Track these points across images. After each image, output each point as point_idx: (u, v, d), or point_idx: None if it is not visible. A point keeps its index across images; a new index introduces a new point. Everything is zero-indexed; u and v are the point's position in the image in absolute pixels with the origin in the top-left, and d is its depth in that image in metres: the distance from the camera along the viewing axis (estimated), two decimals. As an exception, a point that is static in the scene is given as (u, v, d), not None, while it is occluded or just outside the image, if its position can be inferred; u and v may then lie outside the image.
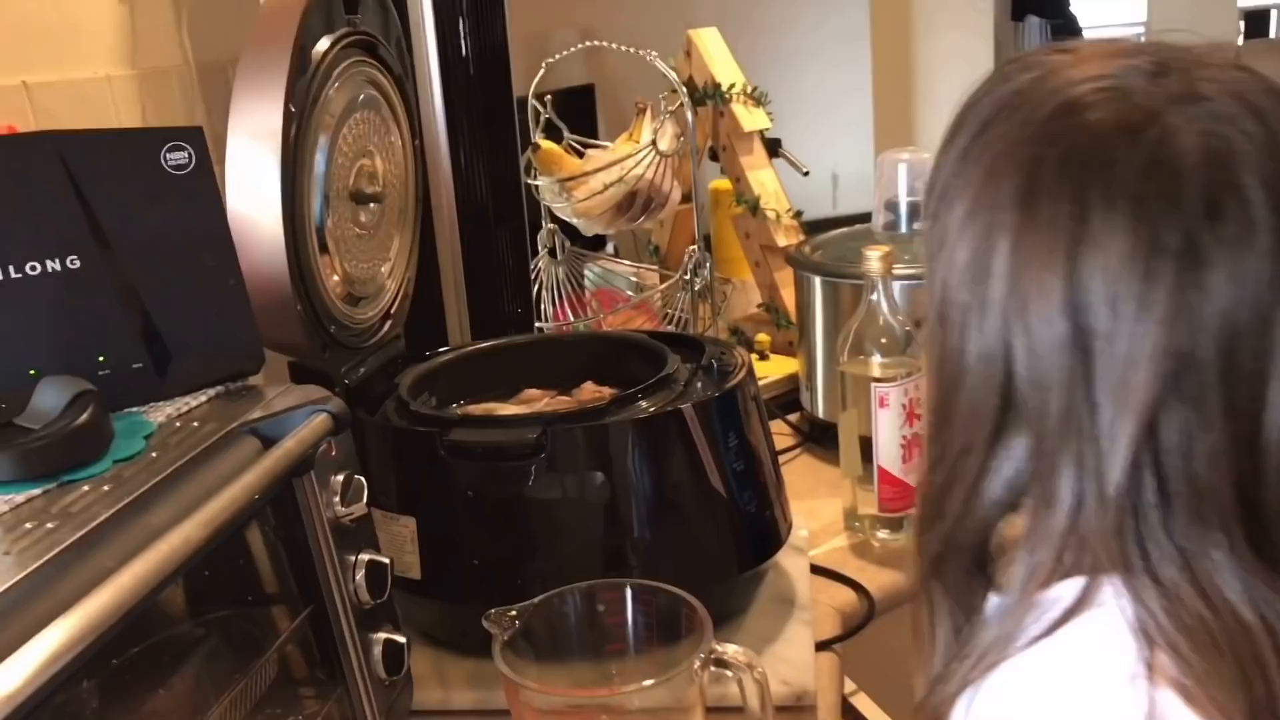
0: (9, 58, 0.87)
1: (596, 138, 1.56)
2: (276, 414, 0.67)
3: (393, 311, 0.99)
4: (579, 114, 1.64)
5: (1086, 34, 7.68)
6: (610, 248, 1.76)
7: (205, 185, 0.72)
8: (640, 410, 0.84)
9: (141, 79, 1.00)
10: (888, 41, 6.45)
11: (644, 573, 0.82)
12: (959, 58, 7.09)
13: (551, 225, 1.51)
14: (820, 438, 1.31)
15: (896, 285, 1.08)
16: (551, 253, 1.54)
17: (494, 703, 0.84)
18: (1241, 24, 6.28)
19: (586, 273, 1.61)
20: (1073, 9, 7.54)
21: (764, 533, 0.90)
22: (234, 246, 0.73)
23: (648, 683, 0.68)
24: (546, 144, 1.39)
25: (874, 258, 1.04)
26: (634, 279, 1.64)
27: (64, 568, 0.52)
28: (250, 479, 0.58)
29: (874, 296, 1.05)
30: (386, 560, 0.75)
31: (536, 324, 1.34)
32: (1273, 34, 7.69)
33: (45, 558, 0.52)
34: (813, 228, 1.57)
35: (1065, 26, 7.57)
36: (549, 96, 1.48)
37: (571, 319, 1.50)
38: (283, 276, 0.81)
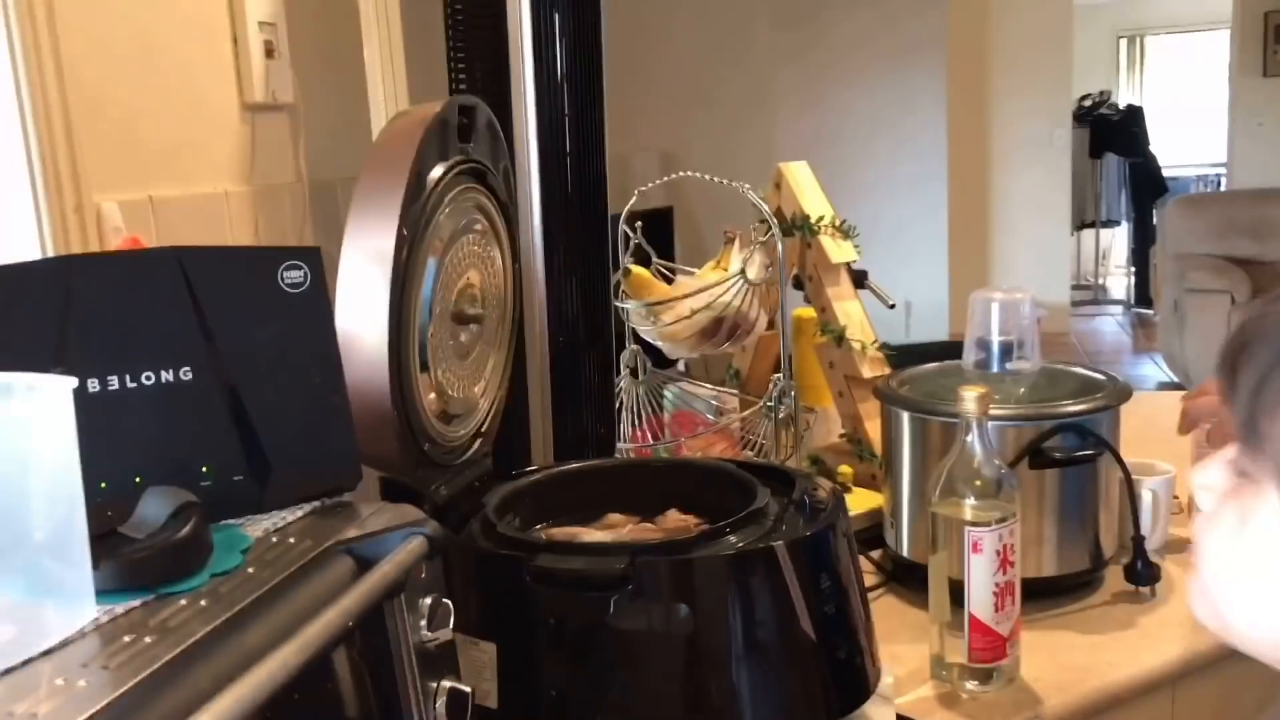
0: (137, 173, 0.91)
1: (673, 258, 1.58)
2: (372, 535, 0.67)
3: (484, 430, 0.99)
4: (657, 235, 1.66)
5: (1165, 173, 7.66)
6: (681, 365, 1.76)
7: (318, 304, 0.74)
8: (730, 545, 0.83)
9: (256, 195, 1.04)
10: (964, 174, 6.49)
11: (727, 715, 0.79)
12: (1036, 192, 7.09)
13: (635, 346, 1.52)
14: (905, 577, 1.27)
15: (991, 426, 1.06)
16: (634, 373, 1.55)
17: (565, 845, 0.81)
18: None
19: (666, 394, 1.61)
20: (1152, 148, 7.54)
21: (853, 680, 0.86)
22: (341, 364, 0.75)
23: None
24: (637, 269, 1.41)
25: (970, 398, 1.02)
26: (714, 402, 1.63)
27: (160, 686, 0.52)
28: (347, 603, 0.58)
29: (969, 438, 1.03)
30: (468, 690, 0.73)
31: (619, 444, 1.33)
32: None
33: (142, 675, 0.52)
34: (899, 353, 1.56)
35: (1144, 165, 7.58)
36: (639, 222, 1.51)
37: (651, 440, 1.50)
38: (383, 393, 0.82)
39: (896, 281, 1.69)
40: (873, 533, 1.36)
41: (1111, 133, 7.24)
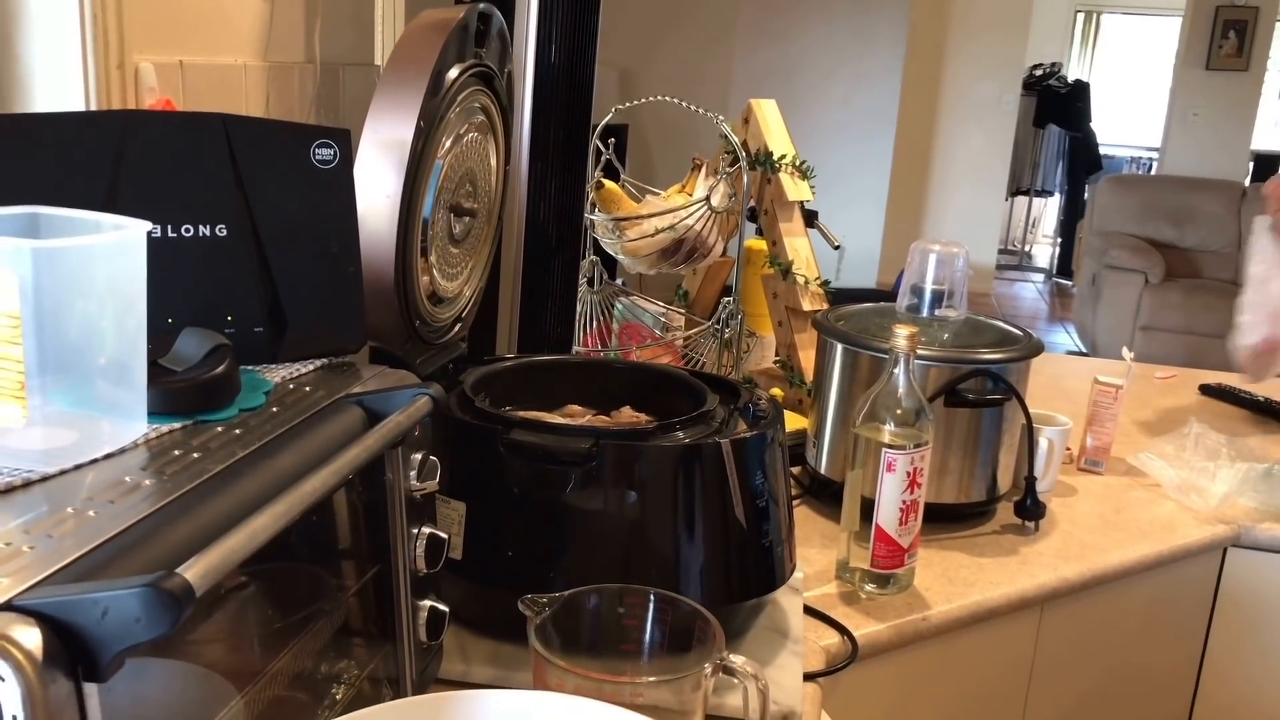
0: (171, 38, 0.96)
1: (626, 170, 1.66)
2: (383, 390, 0.76)
3: (464, 316, 1.08)
4: (614, 151, 1.73)
5: (1102, 150, 7.88)
6: (619, 283, 1.86)
7: (344, 182, 0.82)
8: (680, 439, 0.94)
9: (270, 70, 1.10)
10: (912, 128, 6.60)
11: (660, 585, 0.91)
12: (978, 154, 7.26)
13: (594, 257, 1.61)
14: (820, 492, 1.41)
15: (916, 363, 1.18)
16: (590, 282, 1.64)
17: (510, 681, 0.93)
18: (1251, 165, 6.50)
19: (618, 305, 1.70)
20: (1092, 125, 7.75)
21: (772, 567, 0.99)
22: (358, 239, 0.83)
23: (665, 676, 0.77)
24: (610, 183, 1.50)
25: (903, 335, 1.14)
26: (661, 319, 1.74)
27: (211, 493, 0.61)
28: (370, 441, 0.67)
29: (896, 370, 1.15)
30: (445, 536, 0.84)
31: (574, 346, 1.43)
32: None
33: (197, 481, 0.61)
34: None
35: (1083, 140, 7.79)
36: (611, 139, 1.58)
37: (599, 347, 1.60)
38: (388, 270, 0.90)
39: (834, 224, 1.79)
40: (795, 451, 1.49)
41: (1057, 104, 7.43)
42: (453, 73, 0.94)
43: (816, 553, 1.26)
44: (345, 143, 0.81)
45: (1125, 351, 1.72)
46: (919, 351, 1.26)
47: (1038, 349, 1.35)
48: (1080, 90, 7.64)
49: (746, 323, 1.76)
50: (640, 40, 5.35)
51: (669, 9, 5.41)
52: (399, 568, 0.79)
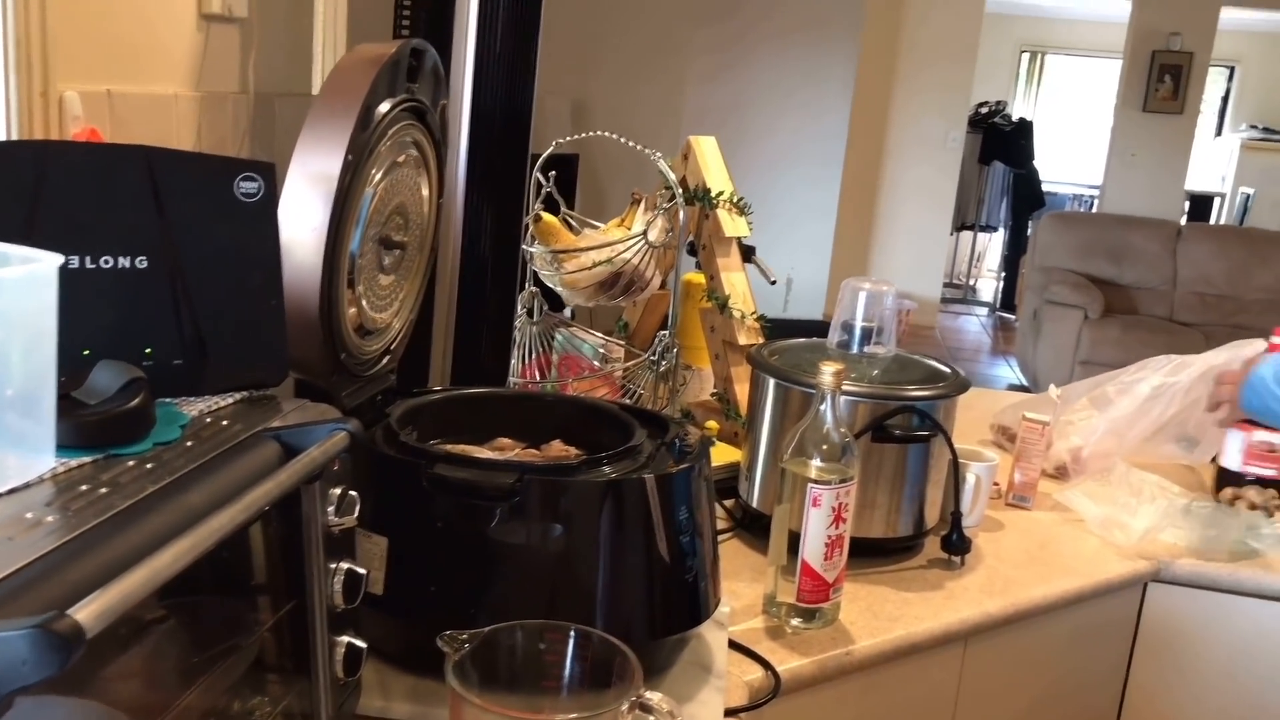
0: (99, 67, 0.96)
1: (575, 205, 1.67)
2: (301, 425, 0.76)
3: (393, 348, 1.08)
4: (561, 182, 1.74)
5: (1047, 187, 8.06)
6: (567, 313, 1.87)
7: (267, 215, 0.82)
8: (605, 474, 0.94)
9: (202, 100, 1.10)
10: (860, 162, 6.69)
11: (584, 621, 0.91)
12: (924, 189, 7.39)
13: (534, 289, 1.61)
14: (752, 525, 1.42)
15: (843, 399, 1.20)
16: (530, 314, 1.64)
17: (429, 717, 0.92)
18: (1186, 204, 6.69)
19: (558, 337, 1.71)
20: (1035, 163, 7.93)
21: (695, 602, 0.99)
22: (281, 272, 0.83)
23: (582, 714, 0.77)
24: (548, 216, 1.51)
25: (828, 372, 1.16)
26: (601, 350, 1.75)
27: (116, 529, 0.60)
28: (283, 477, 0.67)
29: (822, 406, 1.17)
30: (363, 572, 0.83)
31: (510, 378, 1.43)
32: (1214, 219, 8.17)
33: (101, 518, 0.60)
34: (771, 325, 1.70)
35: (1026, 177, 7.97)
36: (552, 171, 1.59)
37: (540, 378, 1.60)
38: (313, 303, 0.90)
39: (782, 257, 1.82)
40: (729, 484, 1.50)
41: (1001, 142, 7.59)
42: (383, 107, 0.94)
43: (746, 586, 1.27)
44: (270, 176, 0.82)
45: (1053, 389, 1.76)
46: (847, 387, 1.28)
47: (964, 386, 1.38)
48: (1024, 128, 7.82)
49: (685, 355, 1.78)
50: (594, 71, 5.39)
51: (622, 41, 5.46)
52: (315, 603, 0.79)
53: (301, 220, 0.90)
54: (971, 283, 8.53)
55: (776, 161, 5.71)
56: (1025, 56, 9.38)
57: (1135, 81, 6.15)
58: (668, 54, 5.54)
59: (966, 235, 8.12)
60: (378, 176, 0.97)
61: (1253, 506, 1.60)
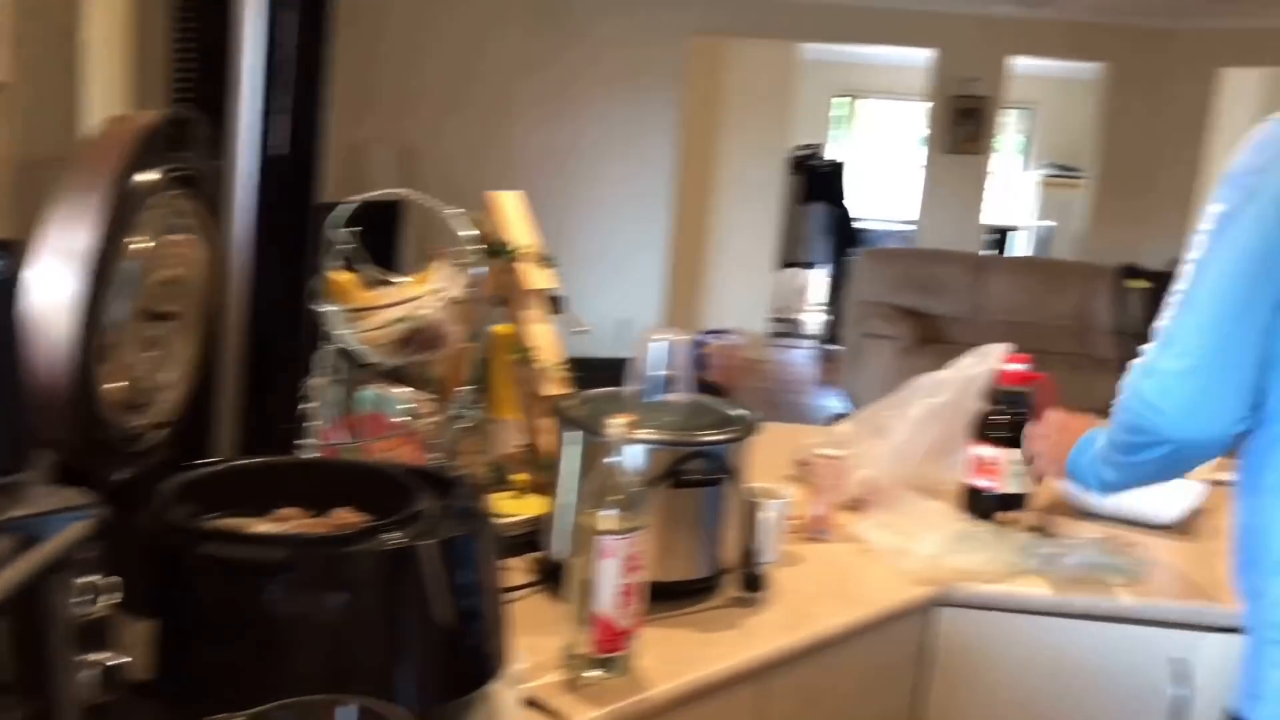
0: None
1: (394, 254, 1.67)
2: (40, 514, 0.73)
3: (166, 420, 1.05)
4: (386, 228, 1.73)
5: (869, 225, 8.46)
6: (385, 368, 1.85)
7: (7, 295, 0.79)
8: (381, 543, 0.94)
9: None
10: (687, 205, 6.86)
11: (370, 691, 0.90)
12: (749, 230, 7.63)
13: (334, 348, 1.59)
14: (557, 577, 1.43)
15: (641, 447, 1.23)
16: (333, 373, 1.62)
17: (204, 804, 0.89)
18: (988, 238, 7.14)
19: (365, 394, 1.69)
20: (846, 202, 8.34)
21: (481, 664, 1.00)
22: (20, 354, 0.80)
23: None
24: (339, 274, 1.49)
25: (615, 424, 1.19)
26: (413, 405, 1.73)
27: None
28: (11, 573, 0.65)
29: (615, 457, 1.20)
30: (122, 661, 0.80)
31: (305, 442, 1.41)
32: (1008, 252, 8.79)
33: None
34: (602, 365, 1.71)
35: (843, 214, 8.35)
36: (359, 227, 1.58)
37: (343, 441, 1.58)
38: (63, 381, 0.87)
39: (616, 298, 1.85)
40: (537, 536, 1.51)
41: (820, 182, 7.94)
42: (143, 177, 0.92)
43: (548, 641, 1.27)
44: (17, 255, 0.79)
45: (847, 424, 1.85)
46: (642, 435, 1.31)
47: (753, 428, 1.43)
48: (837, 169, 8.21)
49: (498, 408, 1.78)
50: (423, 118, 5.37)
51: (453, 88, 5.46)
52: (61, 699, 0.76)
53: (54, 296, 0.87)
54: (799, 317, 8.83)
55: (608, 204, 5.81)
56: (840, 101, 9.83)
57: (940, 123, 6.53)
58: (497, 101, 5.58)
59: (792, 272, 8.41)
60: (140, 247, 0.94)
61: (1032, 529, 1.72)
